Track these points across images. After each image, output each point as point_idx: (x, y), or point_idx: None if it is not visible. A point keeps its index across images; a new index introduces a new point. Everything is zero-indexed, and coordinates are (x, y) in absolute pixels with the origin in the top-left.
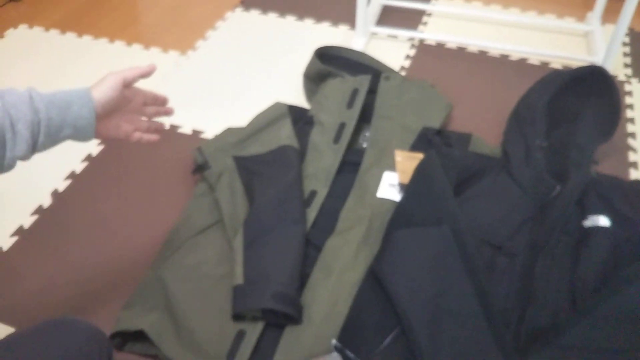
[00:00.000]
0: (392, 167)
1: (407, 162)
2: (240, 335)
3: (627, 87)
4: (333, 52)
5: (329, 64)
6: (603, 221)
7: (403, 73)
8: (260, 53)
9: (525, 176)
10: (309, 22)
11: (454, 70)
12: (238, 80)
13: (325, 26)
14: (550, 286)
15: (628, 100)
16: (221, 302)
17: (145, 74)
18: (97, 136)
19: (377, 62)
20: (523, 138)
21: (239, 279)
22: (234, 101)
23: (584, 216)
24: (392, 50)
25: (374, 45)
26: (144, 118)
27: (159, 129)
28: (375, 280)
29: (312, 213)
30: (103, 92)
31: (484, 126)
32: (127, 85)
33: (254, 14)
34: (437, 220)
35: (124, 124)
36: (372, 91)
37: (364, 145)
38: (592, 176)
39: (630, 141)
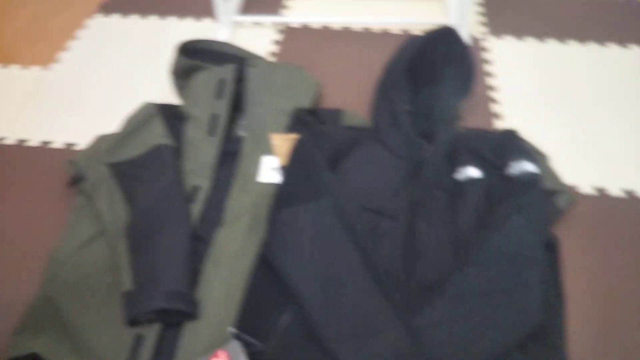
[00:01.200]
0: (270, 151)
1: (284, 144)
2: (138, 340)
3: (484, 44)
4: (197, 46)
5: (194, 58)
6: (473, 172)
7: (272, 58)
8: (125, 56)
9: (395, 141)
10: (172, 20)
11: (322, 50)
12: (106, 87)
13: (189, 22)
14: (432, 241)
15: (486, 56)
16: (115, 311)
17: None
18: None
19: (242, 50)
20: (389, 105)
21: (127, 285)
22: (104, 109)
23: (456, 170)
24: (259, 37)
25: (240, 35)
26: None
27: None
28: (266, 264)
29: (197, 208)
30: None
31: (356, 100)
32: None
33: (115, 18)
34: (316, 196)
35: None
36: (241, 80)
37: (241, 133)
38: (459, 131)
39: (492, 94)
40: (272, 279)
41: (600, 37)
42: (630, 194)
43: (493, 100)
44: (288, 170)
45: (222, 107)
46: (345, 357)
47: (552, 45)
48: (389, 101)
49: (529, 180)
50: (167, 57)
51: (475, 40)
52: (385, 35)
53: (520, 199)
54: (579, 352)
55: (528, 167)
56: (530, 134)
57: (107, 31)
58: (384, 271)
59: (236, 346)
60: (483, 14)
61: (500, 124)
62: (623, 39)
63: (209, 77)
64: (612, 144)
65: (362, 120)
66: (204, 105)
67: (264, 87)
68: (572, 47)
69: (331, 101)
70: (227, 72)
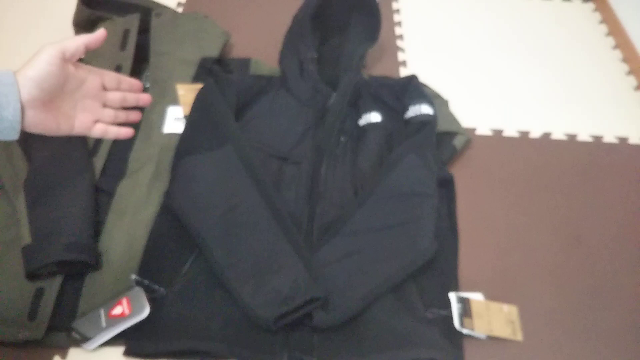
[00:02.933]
0: (176, 101)
1: (189, 94)
2: (39, 293)
3: None
4: None
5: (98, 9)
6: (375, 117)
7: (180, 9)
8: (26, 8)
9: (301, 89)
10: None
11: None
12: (6, 44)
13: None
14: (335, 184)
15: (395, 5)
16: (14, 267)
17: (92, 43)
18: (42, 130)
19: (147, 0)
20: (296, 53)
21: (27, 239)
22: (7, 66)
23: (359, 116)
24: None
25: None
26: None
27: (130, 120)
28: (169, 212)
29: (99, 161)
30: (37, 67)
31: (265, 50)
32: (69, 58)
33: None
34: (219, 144)
35: (79, 113)
36: (146, 30)
37: (147, 85)
38: (363, 78)
39: (399, 42)
40: (175, 226)
41: None
42: (523, 134)
43: (400, 49)
44: (191, 117)
45: (125, 58)
46: (246, 295)
47: None
48: (295, 50)
49: (424, 122)
50: (70, 9)
51: None
52: None
53: (415, 138)
54: (470, 277)
55: (425, 109)
56: (433, 80)
57: None
58: (288, 214)
59: (138, 292)
60: None
61: (405, 71)
62: None
63: (113, 28)
64: (511, 88)
65: (271, 69)
66: (108, 56)
67: (169, 36)
68: None
69: (241, 51)
70: (131, 22)
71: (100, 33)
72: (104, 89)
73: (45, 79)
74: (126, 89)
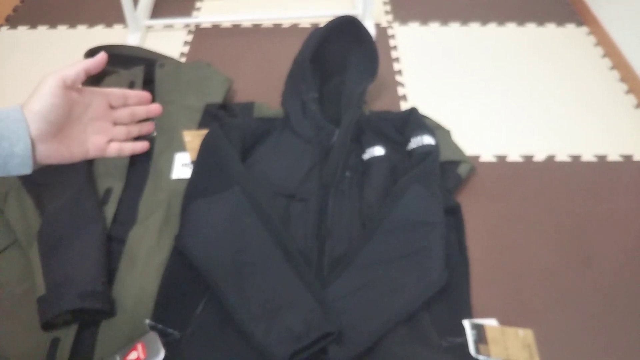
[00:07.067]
0: (183, 148)
1: (196, 140)
2: (55, 343)
3: (389, 32)
4: (106, 51)
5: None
6: (378, 151)
7: (183, 59)
8: (35, 68)
9: (305, 128)
10: (82, 29)
11: (232, 47)
12: (15, 100)
13: (99, 29)
14: (342, 219)
15: (392, 42)
16: (30, 318)
17: (91, 68)
18: (57, 160)
19: (151, 52)
20: (298, 94)
21: (42, 290)
22: None
23: (363, 151)
24: (170, 40)
25: (151, 38)
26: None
27: (144, 132)
28: (180, 255)
29: (110, 209)
30: (41, 101)
31: (268, 93)
32: (71, 85)
33: (22, 30)
34: (227, 186)
35: (91, 136)
36: (151, 81)
37: (154, 133)
38: (365, 114)
39: (398, 77)
40: (187, 270)
41: (501, 17)
42: (527, 159)
43: (399, 84)
44: (198, 162)
45: None
46: (259, 334)
47: (454, 28)
48: (297, 91)
49: (427, 152)
50: None
51: (382, 28)
52: (294, 29)
53: (419, 169)
54: (484, 303)
55: (426, 140)
56: (434, 111)
57: (14, 44)
58: (297, 250)
59: (153, 337)
60: (389, 3)
61: (406, 105)
62: (522, 19)
63: (118, 81)
64: (512, 114)
65: (275, 111)
66: None
67: (173, 86)
68: (473, 29)
69: (244, 95)
70: (136, 74)
71: (100, 57)
72: (111, 107)
73: (51, 110)
74: (134, 103)
